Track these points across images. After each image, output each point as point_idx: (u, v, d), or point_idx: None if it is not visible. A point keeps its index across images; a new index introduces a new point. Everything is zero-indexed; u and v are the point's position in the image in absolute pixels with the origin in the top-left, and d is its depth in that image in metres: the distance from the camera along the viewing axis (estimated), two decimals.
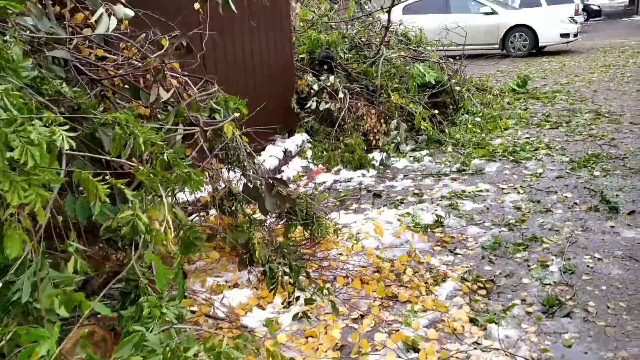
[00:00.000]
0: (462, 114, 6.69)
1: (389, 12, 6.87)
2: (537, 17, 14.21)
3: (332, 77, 5.69)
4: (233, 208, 2.89)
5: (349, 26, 7.44)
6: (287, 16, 5.71)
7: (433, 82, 6.30)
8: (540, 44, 13.85)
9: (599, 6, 33.44)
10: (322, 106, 5.64)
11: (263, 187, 2.84)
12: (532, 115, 7.07)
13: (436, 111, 6.24)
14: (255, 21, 5.01)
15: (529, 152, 5.43)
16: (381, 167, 5.31)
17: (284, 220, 3.51)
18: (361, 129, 5.74)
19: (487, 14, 14.17)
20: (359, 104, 5.90)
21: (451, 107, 6.89)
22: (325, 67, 6.09)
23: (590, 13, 30.85)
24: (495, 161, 5.27)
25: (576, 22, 14.59)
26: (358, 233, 3.82)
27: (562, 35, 13.82)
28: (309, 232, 3.52)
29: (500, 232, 3.73)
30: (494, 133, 6.22)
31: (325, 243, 3.61)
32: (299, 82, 5.99)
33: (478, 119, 6.55)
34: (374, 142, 5.74)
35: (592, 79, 9.58)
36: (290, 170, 5.32)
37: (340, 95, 5.65)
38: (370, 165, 5.27)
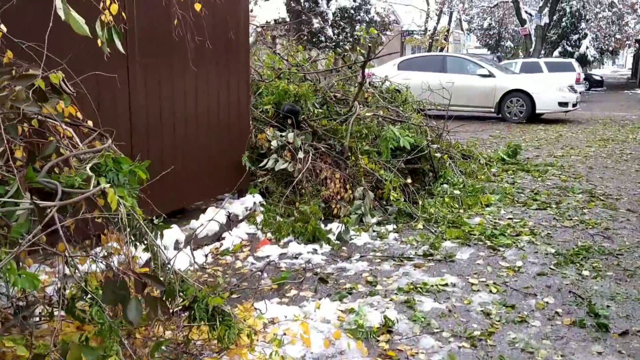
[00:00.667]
0: (441, 184, 6.01)
1: (362, 67, 6.29)
2: (535, 83, 13.80)
3: (290, 134, 5.03)
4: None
5: (325, 78, 6.86)
6: (246, 57, 5.07)
7: (408, 146, 5.64)
8: (537, 111, 13.37)
9: (601, 77, 33.49)
10: (278, 166, 4.96)
11: (130, 285, 2.11)
12: (519, 191, 6.39)
13: (409, 180, 5.56)
14: (202, 59, 4.36)
15: (510, 237, 4.72)
16: (338, 242, 4.57)
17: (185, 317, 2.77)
18: (322, 194, 5.05)
19: (484, 76, 13.75)
20: (323, 165, 5.23)
21: (430, 174, 6.22)
22: (290, 121, 5.46)
23: (592, 83, 30.80)
24: (469, 245, 4.54)
25: (576, 92, 14.15)
26: (284, 334, 3.06)
27: (561, 104, 13.34)
28: (215, 335, 2.77)
29: (460, 348, 2.97)
30: (474, 209, 5.51)
31: (236, 349, 2.85)
32: (259, 135, 5.33)
33: (458, 192, 5.86)
34: (335, 211, 5.04)
35: (589, 154, 8.97)
36: (234, 238, 4.59)
37: (300, 155, 4.98)
38: (325, 239, 4.54)
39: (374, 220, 5.05)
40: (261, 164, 5.15)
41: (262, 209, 5.03)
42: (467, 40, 57.08)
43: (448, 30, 39.92)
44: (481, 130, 12.11)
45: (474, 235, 4.75)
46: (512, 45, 44.16)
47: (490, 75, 13.73)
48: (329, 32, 26.31)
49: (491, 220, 5.20)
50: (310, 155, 5.16)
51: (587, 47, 34.21)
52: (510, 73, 14.86)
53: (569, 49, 34.47)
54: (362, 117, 5.92)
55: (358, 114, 5.77)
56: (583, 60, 32.47)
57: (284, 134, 5.24)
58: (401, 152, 5.80)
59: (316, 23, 24.59)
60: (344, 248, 4.51)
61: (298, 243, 4.53)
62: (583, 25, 34.27)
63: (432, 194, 5.83)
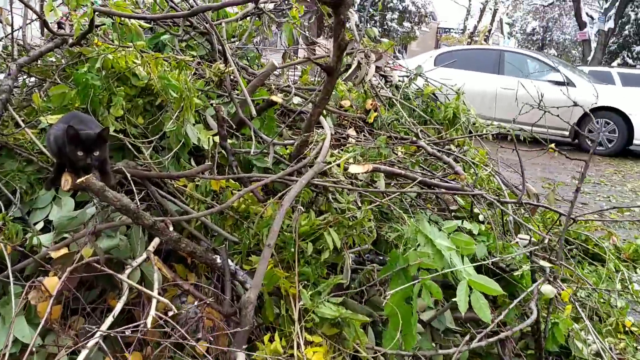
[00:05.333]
0: None
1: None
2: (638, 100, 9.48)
3: None
4: None
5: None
6: None
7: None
8: (635, 141, 9.12)
9: None
10: None
11: None
12: None
13: None
14: None
15: None
16: None
17: None
18: None
19: (557, 83, 9.49)
20: None
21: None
22: None
23: None
24: None
25: None
26: None
27: None
28: None
29: None
30: None
31: None
32: None
33: None
34: None
35: None
36: None
37: None
38: None
39: None
40: None
41: None
42: (506, 44, 52.55)
43: (490, 31, 35.53)
44: (552, 163, 7.98)
45: None
46: (556, 54, 39.43)
47: (568, 83, 9.47)
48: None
49: None
50: None
51: None
52: (596, 82, 10.46)
53: (630, 61, 29.73)
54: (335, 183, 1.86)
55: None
56: None
57: None
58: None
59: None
60: None
61: None
62: None
63: None
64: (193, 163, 2.23)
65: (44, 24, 2.28)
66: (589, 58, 24.30)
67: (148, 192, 2.04)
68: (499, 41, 48.71)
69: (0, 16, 3.14)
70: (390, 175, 2.48)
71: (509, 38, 48.77)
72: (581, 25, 24.44)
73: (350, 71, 2.99)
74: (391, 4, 23.82)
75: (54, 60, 3.00)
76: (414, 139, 2.70)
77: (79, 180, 1.53)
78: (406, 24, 24.90)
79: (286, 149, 2.32)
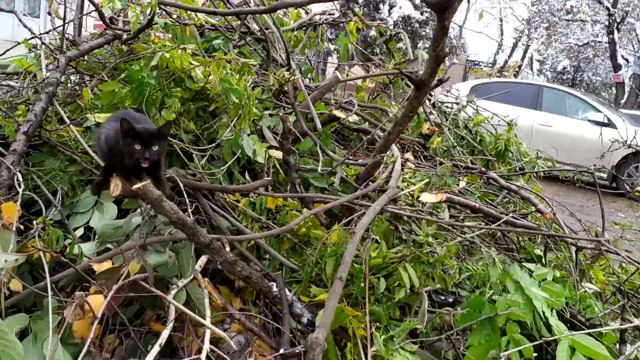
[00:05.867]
0: None
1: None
2: None
3: None
4: None
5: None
6: None
7: None
8: None
9: None
10: None
11: None
12: None
13: None
14: None
15: None
16: None
17: None
18: None
19: (597, 123, 9.23)
20: None
21: None
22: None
23: None
24: None
25: None
26: None
27: None
28: None
29: None
30: None
31: None
32: None
33: None
34: None
35: None
36: None
37: None
38: None
39: None
40: None
41: None
42: (534, 81, 52.15)
43: (520, 66, 35.32)
44: (589, 205, 7.67)
45: None
46: None
47: (609, 124, 9.20)
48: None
49: None
50: None
51: None
52: (635, 125, 10.13)
53: None
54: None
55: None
56: None
57: None
58: None
59: (373, 31, 20.53)
60: None
61: None
62: None
63: None
64: (247, 177, 2.04)
65: (100, 15, 2.14)
66: (622, 101, 23.90)
67: (198, 205, 1.85)
68: (527, 77, 48.40)
69: (50, 8, 3.02)
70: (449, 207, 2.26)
71: (538, 75, 48.41)
72: (616, 67, 24.08)
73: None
74: (424, 32, 23.77)
75: (101, 57, 2.87)
76: (483, 169, 2.48)
77: (135, 187, 1.34)
78: None
79: (348, 167, 2.12)
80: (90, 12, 2.83)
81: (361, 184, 1.85)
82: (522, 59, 35.16)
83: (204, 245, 1.49)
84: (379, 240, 1.65)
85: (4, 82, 2.81)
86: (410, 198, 1.85)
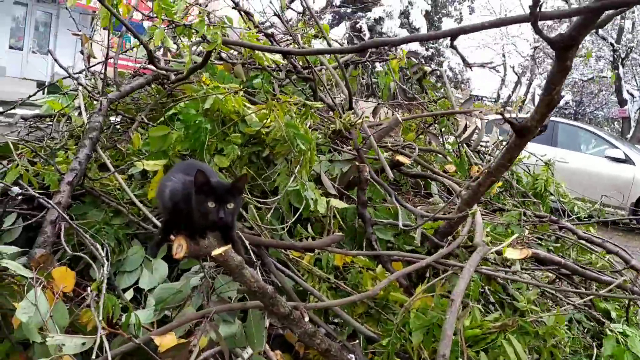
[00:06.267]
0: None
1: None
2: None
3: None
4: None
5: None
6: None
7: None
8: None
9: None
10: None
11: None
12: None
13: None
14: None
15: None
16: None
17: None
18: None
19: (615, 160, 9.10)
20: None
21: None
22: None
23: None
24: None
25: None
26: None
27: None
28: None
29: None
30: None
31: None
32: None
33: None
34: None
35: None
36: None
37: None
38: None
39: None
40: None
41: None
42: None
43: (523, 102, 35.53)
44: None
45: None
46: None
47: (627, 160, 9.06)
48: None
49: None
50: None
51: None
52: None
53: None
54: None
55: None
56: None
57: None
58: None
59: (380, 66, 20.59)
60: None
61: None
62: None
63: None
64: (310, 230, 1.86)
65: (149, 55, 1.99)
66: (628, 135, 23.86)
67: (261, 263, 1.67)
68: (528, 111, 48.70)
69: (83, 47, 2.88)
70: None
71: None
72: (621, 102, 24.11)
73: (467, 133, 2.64)
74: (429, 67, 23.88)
75: (135, 97, 2.72)
76: (553, 217, 2.30)
77: (215, 253, 1.16)
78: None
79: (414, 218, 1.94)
80: (126, 51, 2.70)
81: (441, 239, 1.67)
82: (525, 94, 35.36)
83: (283, 316, 1.30)
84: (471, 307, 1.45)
85: (33, 125, 2.65)
86: (494, 255, 1.67)
